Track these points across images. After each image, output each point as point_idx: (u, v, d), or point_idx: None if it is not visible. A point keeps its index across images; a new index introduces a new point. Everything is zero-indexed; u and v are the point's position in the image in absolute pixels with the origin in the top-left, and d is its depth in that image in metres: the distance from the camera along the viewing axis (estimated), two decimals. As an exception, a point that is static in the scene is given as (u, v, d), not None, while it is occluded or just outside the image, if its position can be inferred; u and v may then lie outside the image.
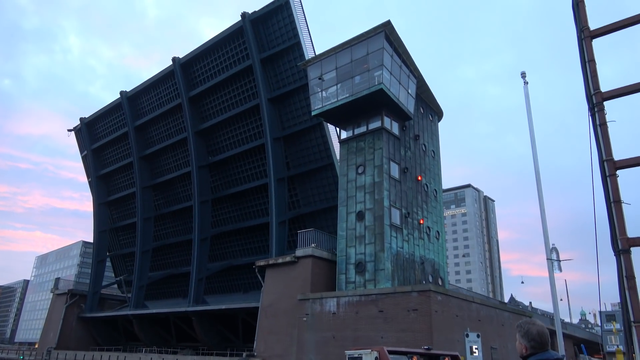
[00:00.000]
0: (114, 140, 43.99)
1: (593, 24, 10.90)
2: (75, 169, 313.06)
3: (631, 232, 9.21)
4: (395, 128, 26.86)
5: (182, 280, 41.11)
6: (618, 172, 9.22)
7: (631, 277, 8.95)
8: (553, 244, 19.78)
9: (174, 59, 36.30)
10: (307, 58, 29.75)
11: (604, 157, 9.15)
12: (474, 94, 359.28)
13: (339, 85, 26.73)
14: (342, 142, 27.50)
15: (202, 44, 35.11)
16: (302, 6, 30.68)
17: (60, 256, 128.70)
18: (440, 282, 27.69)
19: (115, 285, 49.26)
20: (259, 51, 31.74)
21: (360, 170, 26.05)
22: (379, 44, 25.15)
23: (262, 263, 27.19)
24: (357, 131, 27.00)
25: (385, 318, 20.63)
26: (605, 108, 9.05)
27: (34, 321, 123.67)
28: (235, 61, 33.66)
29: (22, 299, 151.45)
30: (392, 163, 25.88)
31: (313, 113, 27.55)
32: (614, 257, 9.21)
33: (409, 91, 27.31)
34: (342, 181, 26.65)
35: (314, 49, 30.81)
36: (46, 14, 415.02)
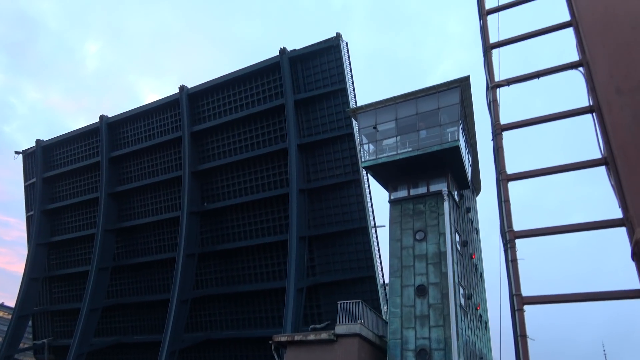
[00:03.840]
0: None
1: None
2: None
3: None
4: (456, 195, 23.75)
5: (135, 350, 33.05)
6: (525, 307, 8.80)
7: None
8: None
9: (101, 117, 35.26)
10: (352, 105, 26.68)
11: (514, 292, 8.88)
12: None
13: (398, 138, 23.57)
14: (393, 202, 23.74)
15: (134, 108, 34.53)
16: (348, 50, 28.12)
17: None
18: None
19: (32, 352, 39.10)
20: (294, 92, 28.21)
21: (419, 237, 22.14)
22: (455, 99, 22.67)
23: (282, 339, 21.45)
24: (414, 192, 23.50)
25: None
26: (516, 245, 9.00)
27: None
28: (165, 130, 33.14)
29: None
30: (456, 233, 22.38)
31: (363, 165, 23.90)
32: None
33: (469, 157, 24.74)
34: (394, 247, 22.46)
35: (355, 98, 27.89)
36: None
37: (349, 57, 28.17)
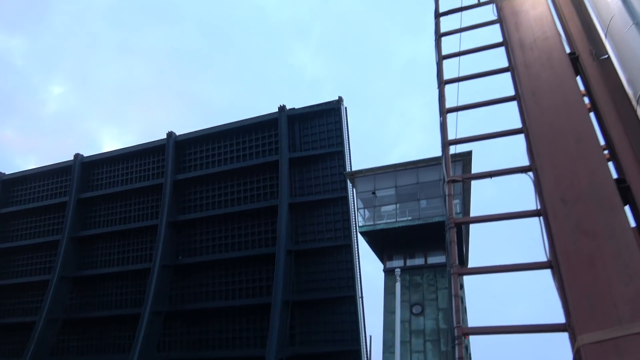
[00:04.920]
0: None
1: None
2: None
3: None
4: (452, 269, 23.13)
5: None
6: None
7: None
8: None
9: (76, 155, 33.51)
10: (347, 169, 26.31)
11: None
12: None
13: (398, 206, 23.18)
14: (388, 272, 22.86)
15: (112, 150, 33.49)
16: (347, 115, 28.19)
17: None
18: None
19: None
20: (290, 150, 27.67)
21: (416, 311, 21.11)
22: (457, 172, 22.73)
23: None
24: (411, 262, 22.77)
25: None
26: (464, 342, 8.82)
27: None
28: (145, 176, 31.71)
29: None
30: (453, 309, 21.47)
31: (360, 230, 23.21)
32: None
33: (467, 231, 24.51)
34: (388, 320, 21.30)
35: (350, 163, 27.60)
36: None
37: (347, 122, 28.19)
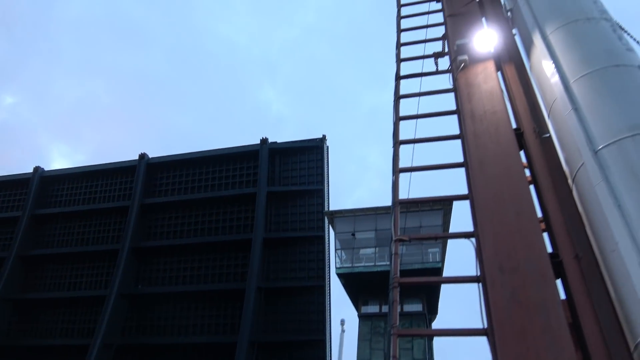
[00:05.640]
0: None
1: None
2: None
3: None
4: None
5: None
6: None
7: None
8: None
9: (36, 168, 31.56)
10: (325, 208, 25.99)
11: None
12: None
13: (377, 249, 22.90)
14: (363, 317, 22.29)
15: (77, 167, 30.36)
16: (328, 154, 28.12)
17: None
18: None
19: None
20: (268, 183, 27.09)
21: (390, 360, 20.43)
22: (437, 221, 22.87)
23: None
24: (387, 309, 22.22)
25: None
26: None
27: None
28: (110, 197, 29.37)
29: None
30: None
31: (337, 271, 22.75)
32: None
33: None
34: (361, 368, 20.46)
35: (329, 202, 27.29)
36: None
37: (328, 161, 28.08)
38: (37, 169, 31.44)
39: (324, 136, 27.61)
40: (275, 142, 28.19)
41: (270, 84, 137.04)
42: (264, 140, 27.81)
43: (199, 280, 26.41)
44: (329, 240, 25.29)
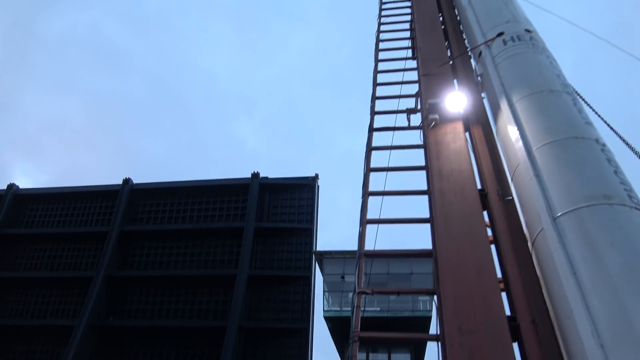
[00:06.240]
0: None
1: None
2: None
3: None
4: (414, 368, 22.25)
5: None
6: None
7: None
8: None
9: (10, 185, 29.82)
10: (313, 248, 25.53)
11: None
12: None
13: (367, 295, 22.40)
14: (349, 364, 21.45)
15: (51, 187, 29.76)
16: (319, 193, 27.90)
17: None
18: None
19: None
20: (257, 219, 26.51)
21: (376, 412, 19.64)
22: (428, 269, 22.65)
23: None
24: (374, 358, 21.62)
25: None
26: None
27: None
28: (87, 221, 28.25)
29: None
30: (414, 415, 20.31)
31: (325, 315, 22.15)
32: None
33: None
34: (346, 420, 19.55)
35: (317, 242, 26.86)
36: None
37: (318, 200, 27.82)
38: (11, 186, 29.94)
39: (317, 175, 27.47)
40: (267, 177, 27.85)
41: (247, 119, 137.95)
42: (255, 175, 27.39)
43: (176, 315, 25.10)
44: (314, 282, 24.72)
